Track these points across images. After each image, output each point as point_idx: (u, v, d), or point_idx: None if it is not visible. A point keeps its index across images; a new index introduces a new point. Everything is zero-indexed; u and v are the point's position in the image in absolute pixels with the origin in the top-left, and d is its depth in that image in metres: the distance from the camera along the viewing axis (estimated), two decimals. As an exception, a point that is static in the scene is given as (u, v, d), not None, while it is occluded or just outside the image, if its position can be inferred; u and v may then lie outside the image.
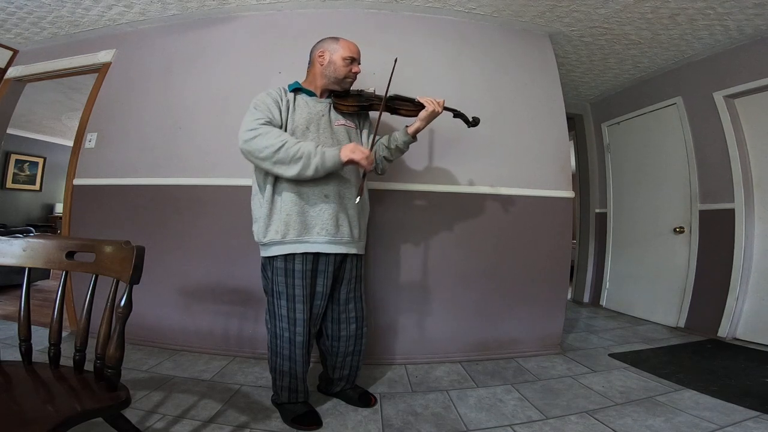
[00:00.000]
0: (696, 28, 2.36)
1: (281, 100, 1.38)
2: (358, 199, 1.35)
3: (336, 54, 1.43)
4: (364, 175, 1.38)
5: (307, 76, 1.50)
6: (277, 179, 1.34)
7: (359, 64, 1.47)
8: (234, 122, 2.08)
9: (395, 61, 1.44)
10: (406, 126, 1.47)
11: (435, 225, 2.10)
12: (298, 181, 1.32)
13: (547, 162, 2.26)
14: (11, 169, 5.56)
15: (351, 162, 1.29)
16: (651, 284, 3.05)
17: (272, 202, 1.34)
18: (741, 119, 2.55)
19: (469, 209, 2.13)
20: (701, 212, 2.73)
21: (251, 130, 1.26)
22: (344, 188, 1.40)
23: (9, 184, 5.56)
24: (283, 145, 1.23)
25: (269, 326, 1.41)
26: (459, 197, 2.13)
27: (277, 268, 1.35)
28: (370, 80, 1.87)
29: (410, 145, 1.50)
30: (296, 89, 1.45)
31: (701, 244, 2.72)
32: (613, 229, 3.48)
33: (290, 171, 1.25)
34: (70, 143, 2.47)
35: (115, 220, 2.20)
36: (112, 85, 2.38)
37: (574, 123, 3.80)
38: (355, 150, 1.28)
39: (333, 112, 1.46)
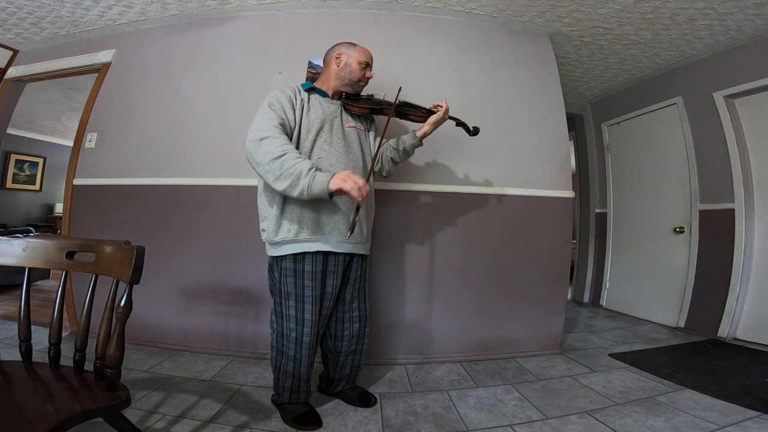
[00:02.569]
0: (696, 28, 2.36)
1: (296, 99, 1.38)
2: (349, 235, 1.27)
3: (352, 57, 1.47)
4: (358, 208, 1.23)
5: (319, 77, 1.53)
6: None
7: (371, 70, 1.52)
8: (234, 122, 2.12)
9: (399, 90, 1.49)
10: (414, 130, 1.54)
11: (435, 225, 2.10)
12: None
13: (547, 162, 2.26)
14: (11, 169, 5.56)
15: (340, 192, 1.16)
16: (651, 284, 3.05)
17: (285, 200, 1.33)
18: (741, 119, 2.55)
19: (469, 209, 2.13)
20: (701, 212, 2.73)
21: (261, 130, 1.23)
22: None
23: (9, 184, 5.55)
24: (280, 156, 1.17)
25: (275, 326, 1.41)
26: (459, 197, 2.13)
27: (285, 269, 1.34)
28: (370, 81, 1.87)
29: (415, 149, 1.58)
30: (310, 89, 1.46)
31: (701, 244, 2.72)
32: (613, 229, 3.48)
33: (278, 185, 1.19)
34: (70, 143, 2.47)
35: (115, 220, 2.20)
36: (112, 85, 2.38)
37: (574, 123, 3.80)
38: (347, 179, 1.15)
39: (344, 114, 1.49)
